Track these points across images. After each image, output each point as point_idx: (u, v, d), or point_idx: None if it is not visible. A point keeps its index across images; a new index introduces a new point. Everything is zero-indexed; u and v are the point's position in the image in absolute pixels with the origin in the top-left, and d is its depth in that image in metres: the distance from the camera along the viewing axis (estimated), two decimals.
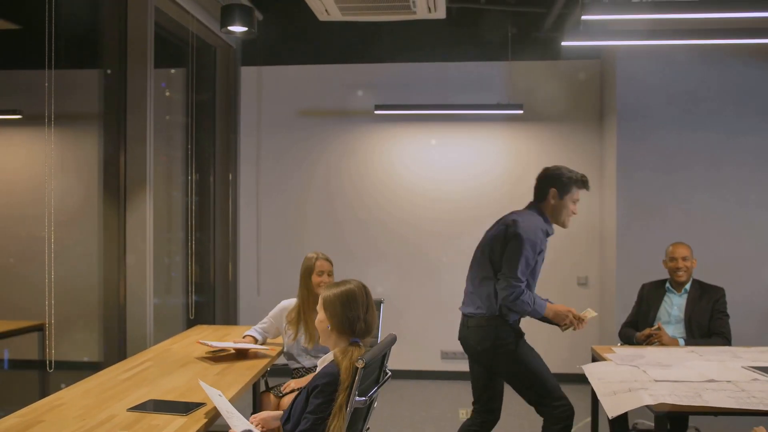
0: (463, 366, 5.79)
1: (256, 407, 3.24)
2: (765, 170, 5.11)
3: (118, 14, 4.25)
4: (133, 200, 4.25)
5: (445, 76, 5.79)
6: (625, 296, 4.54)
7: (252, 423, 2.33)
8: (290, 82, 5.96)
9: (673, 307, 3.80)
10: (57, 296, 3.30)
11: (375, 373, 2.38)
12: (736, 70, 5.08)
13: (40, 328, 4.32)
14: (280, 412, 2.39)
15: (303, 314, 3.45)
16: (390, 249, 5.86)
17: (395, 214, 5.87)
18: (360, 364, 2.08)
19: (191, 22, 4.89)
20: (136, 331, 4.23)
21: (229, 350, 3.27)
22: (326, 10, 4.35)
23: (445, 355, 5.80)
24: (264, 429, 2.35)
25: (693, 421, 3.72)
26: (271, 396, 3.32)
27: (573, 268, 5.70)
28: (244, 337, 3.46)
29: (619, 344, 3.78)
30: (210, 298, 5.76)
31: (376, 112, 5.54)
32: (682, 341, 3.63)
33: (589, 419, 3.50)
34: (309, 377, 3.24)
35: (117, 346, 4.22)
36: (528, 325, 3.24)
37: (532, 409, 3.12)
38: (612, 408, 2.53)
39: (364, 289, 2.31)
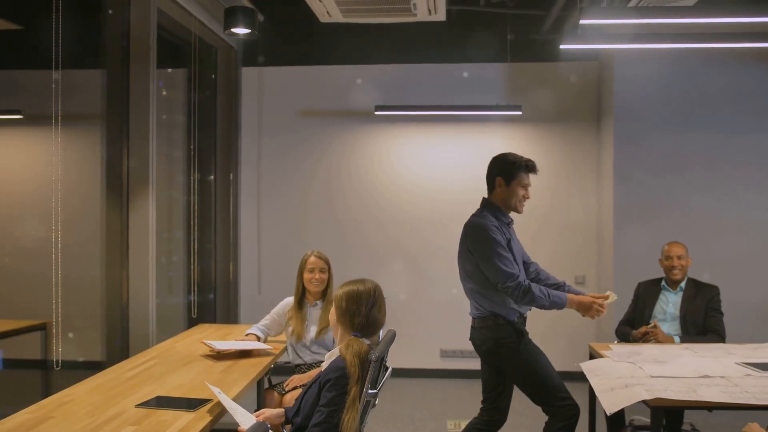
0: (463, 364, 5.90)
1: (260, 404, 3.29)
2: (760, 171, 5.19)
3: (121, 15, 4.28)
4: (136, 200, 4.27)
5: (445, 77, 5.84)
6: (622, 295, 4.58)
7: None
8: (291, 82, 5.99)
9: (669, 305, 3.85)
10: (60, 295, 3.33)
11: (377, 367, 2.45)
12: (731, 73, 5.14)
13: (42, 328, 4.37)
14: (283, 410, 2.45)
15: (295, 310, 3.54)
16: (390, 248, 5.90)
17: (395, 214, 5.91)
18: (373, 358, 2.20)
19: (193, 23, 4.92)
20: (139, 330, 4.25)
21: (233, 349, 3.32)
22: (327, 12, 4.39)
23: (445, 354, 5.85)
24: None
25: (688, 417, 3.77)
26: (275, 393, 3.37)
27: (570, 267, 5.74)
28: (246, 335, 3.52)
29: (616, 342, 3.83)
30: (211, 298, 5.79)
31: (376, 112, 5.57)
32: (677, 338, 3.68)
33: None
34: (312, 373, 3.30)
35: (119, 345, 4.24)
36: (527, 325, 3.28)
37: (539, 408, 3.12)
38: (610, 404, 2.58)
39: (374, 290, 2.42)
